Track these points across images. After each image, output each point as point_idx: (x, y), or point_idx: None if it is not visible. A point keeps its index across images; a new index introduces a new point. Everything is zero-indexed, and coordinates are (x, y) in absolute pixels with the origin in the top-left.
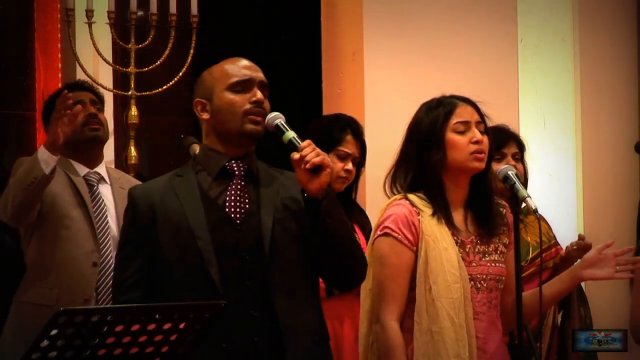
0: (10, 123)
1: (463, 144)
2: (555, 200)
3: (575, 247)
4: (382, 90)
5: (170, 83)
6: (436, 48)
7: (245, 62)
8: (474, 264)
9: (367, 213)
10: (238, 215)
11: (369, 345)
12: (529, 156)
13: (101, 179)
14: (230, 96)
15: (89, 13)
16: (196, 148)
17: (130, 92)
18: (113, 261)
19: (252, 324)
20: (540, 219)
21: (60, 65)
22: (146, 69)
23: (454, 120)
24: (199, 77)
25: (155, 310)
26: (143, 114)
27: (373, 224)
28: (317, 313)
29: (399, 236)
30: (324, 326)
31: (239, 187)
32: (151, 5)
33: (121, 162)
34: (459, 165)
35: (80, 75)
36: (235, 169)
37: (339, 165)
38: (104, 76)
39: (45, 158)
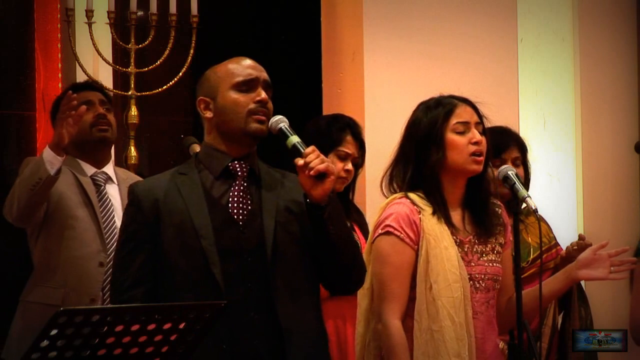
0: (10, 123)
1: (462, 144)
2: (555, 201)
3: (575, 247)
4: (382, 90)
5: (170, 83)
6: (436, 48)
7: (249, 61)
8: (472, 264)
9: (367, 213)
10: (241, 217)
11: (366, 344)
12: (529, 156)
13: (108, 179)
14: (234, 95)
15: (89, 13)
16: (196, 148)
17: (130, 92)
18: None
19: (253, 325)
20: (540, 219)
21: (60, 65)
22: (146, 69)
23: (454, 120)
24: (202, 75)
25: (155, 310)
26: (143, 114)
27: (371, 223)
28: (318, 316)
29: (401, 234)
30: (324, 329)
31: (241, 188)
32: (151, 5)
33: (121, 162)
34: (458, 167)
35: (80, 75)
36: (238, 169)
37: (339, 165)
38: (104, 76)
39: (50, 159)
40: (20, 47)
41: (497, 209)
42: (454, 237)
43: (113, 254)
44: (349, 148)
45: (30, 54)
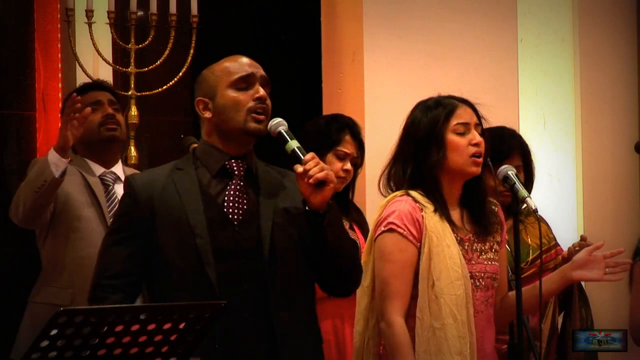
0: (10, 123)
1: (463, 145)
2: (555, 201)
3: (577, 248)
4: (382, 90)
5: (170, 83)
6: (436, 48)
7: (246, 59)
8: (472, 262)
9: (367, 212)
10: (236, 216)
11: (365, 343)
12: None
13: (117, 179)
14: (233, 94)
15: (89, 13)
16: None
17: (130, 92)
18: None
19: (247, 327)
20: (540, 219)
21: (60, 65)
22: (146, 69)
23: (454, 121)
24: (199, 76)
25: (155, 311)
26: (143, 114)
27: (371, 223)
28: (312, 318)
29: (404, 232)
30: (318, 331)
31: (238, 187)
32: (151, 5)
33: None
34: (457, 167)
35: (80, 75)
36: (235, 168)
37: (337, 165)
38: (104, 76)
39: (55, 161)
40: (20, 47)
41: (493, 207)
42: (455, 235)
43: None
44: (347, 148)
45: (30, 54)
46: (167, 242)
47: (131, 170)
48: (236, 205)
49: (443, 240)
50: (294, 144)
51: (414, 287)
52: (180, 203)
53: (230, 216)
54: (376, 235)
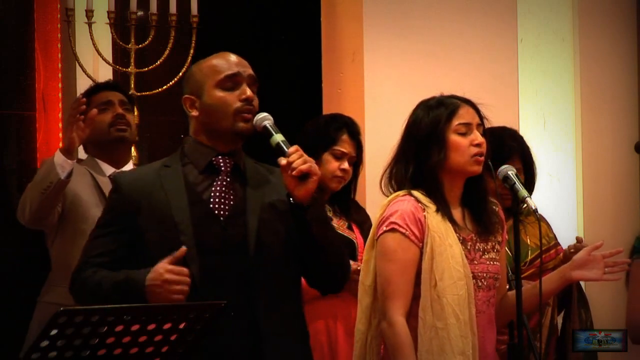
0: (10, 123)
1: (464, 146)
2: (555, 201)
3: (572, 250)
4: (382, 90)
5: (170, 83)
6: (436, 48)
7: (233, 57)
8: (475, 262)
9: (367, 212)
10: (222, 212)
11: (366, 342)
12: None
13: None
14: (220, 94)
15: (89, 13)
16: None
17: (130, 92)
18: None
19: (231, 323)
20: (541, 219)
21: (60, 65)
22: (146, 69)
23: (457, 121)
24: (187, 72)
25: (155, 311)
26: (143, 114)
27: (373, 222)
28: (299, 316)
29: (407, 232)
30: (305, 329)
31: (224, 183)
32: (151, 5)
33: None
34: (459, 167)
35: (80, 75)
36: (222, 164)
37: (334, 164)
38: (104, 76)
39: (61, 162)
40: (20, 47)
41: (494, 207)
42: (458, 235)
43: None
44: (344, 147)
45: (30, 54)
46: (152, 239)
47: None
48: (223, 201)
49: (445, 240)
50: (278, 137)
51: (416, 286)
52: (165, 199)
53: (216, 212)
54: (378, 234)
